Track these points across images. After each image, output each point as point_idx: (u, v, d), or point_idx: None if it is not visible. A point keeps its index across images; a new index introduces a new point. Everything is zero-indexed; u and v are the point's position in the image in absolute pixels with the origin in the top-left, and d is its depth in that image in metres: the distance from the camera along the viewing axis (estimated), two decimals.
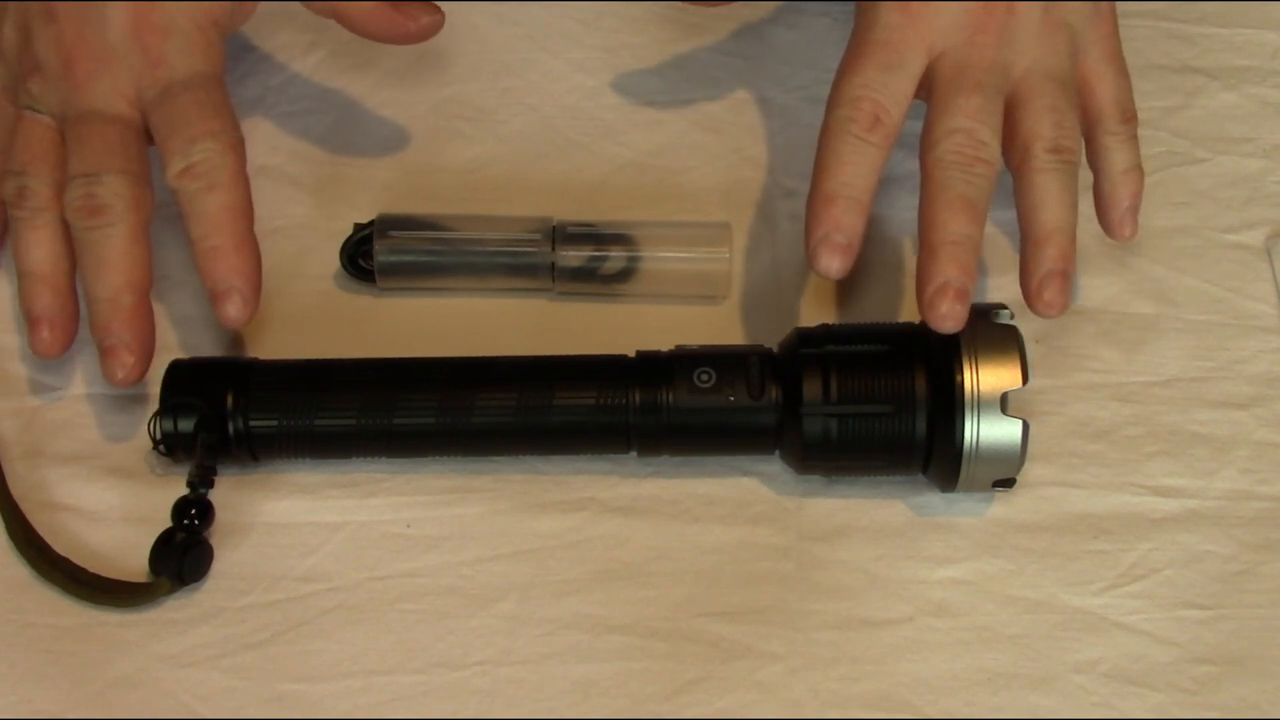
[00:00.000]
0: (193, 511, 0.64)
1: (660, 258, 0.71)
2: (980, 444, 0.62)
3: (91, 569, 0.65)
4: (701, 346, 0.65)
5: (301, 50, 0.77)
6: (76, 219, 0.66)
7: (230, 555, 0.65)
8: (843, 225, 0.63)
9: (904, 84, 0.65)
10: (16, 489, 0.67)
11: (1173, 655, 0.63)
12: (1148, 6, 0.79)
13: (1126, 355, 0.70)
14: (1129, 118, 0.68)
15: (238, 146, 0.67)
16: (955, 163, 0.64)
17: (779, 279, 0.72)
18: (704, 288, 0.71)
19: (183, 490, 0.65)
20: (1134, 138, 0.68)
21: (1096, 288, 0.71)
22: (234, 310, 0.66)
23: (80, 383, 0.69)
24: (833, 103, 0.65)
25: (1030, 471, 0.66)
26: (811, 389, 0.63)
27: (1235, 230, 0.73)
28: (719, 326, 0.71)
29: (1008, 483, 0.64)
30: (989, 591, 0.65)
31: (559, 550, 0.66)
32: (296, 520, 0.66)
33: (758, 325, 0.70)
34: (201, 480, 0.65)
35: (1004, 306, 0.64)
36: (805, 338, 0.65)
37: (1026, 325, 0.64)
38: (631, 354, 0.66)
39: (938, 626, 0.64)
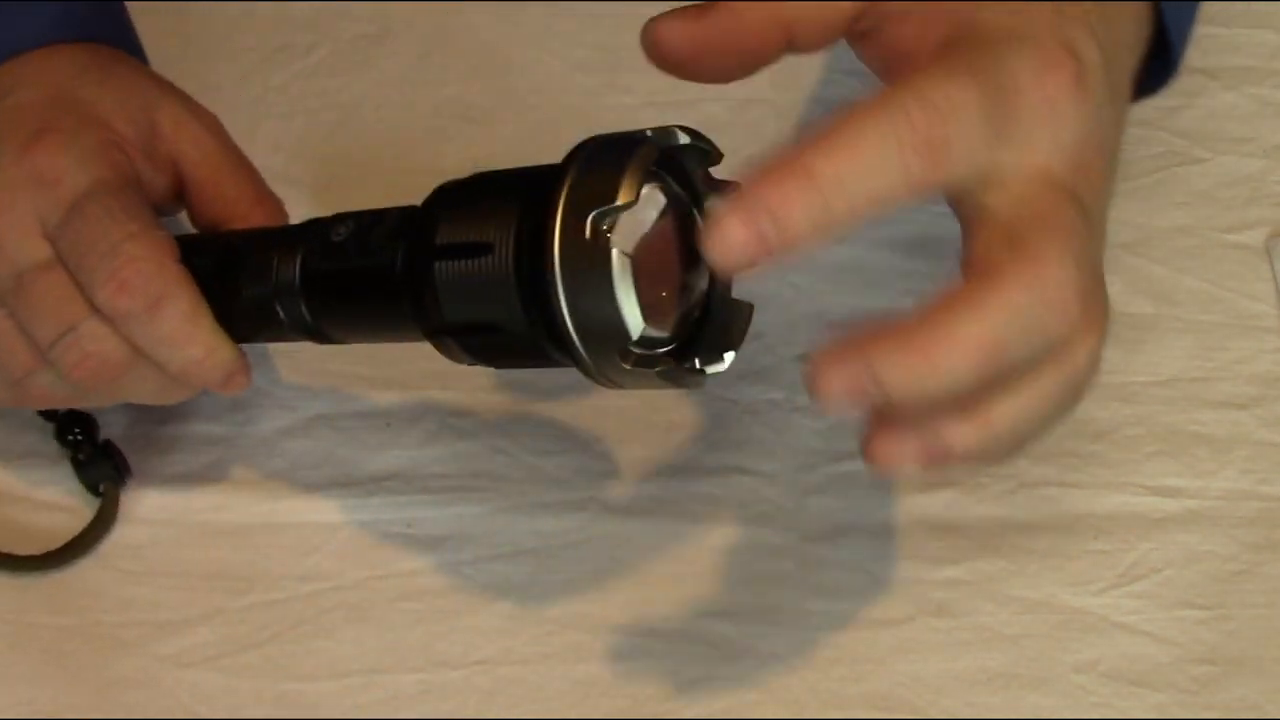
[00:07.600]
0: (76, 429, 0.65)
1: None
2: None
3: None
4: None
5: (302, 50, 0.77)
6: (75, 379, 0.60)
7: (230, 555, 0.65)
8: None
9: None
10: None
11: (1173, 655, 0.63)
12: None
13: (1126, 355, 0.70)
14: None
15: (167, 243, 0.60)
16: None
17: (779, 278, 0.72)
18: None
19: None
20: None
21: None
22: (236, 387, 0.61)
23: None
24: None
25: (1030, 471, 0.66)
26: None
27: (1235, 230, 0.73)
28: None
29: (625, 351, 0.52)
30: (989, 591, 0.65)
31: (559, 550, 0.66)
32: (296, 520, 0.66)
33: (758, 325, 0.70)
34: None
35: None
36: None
37: None
38: None
39: (938, 626, 0.64)
